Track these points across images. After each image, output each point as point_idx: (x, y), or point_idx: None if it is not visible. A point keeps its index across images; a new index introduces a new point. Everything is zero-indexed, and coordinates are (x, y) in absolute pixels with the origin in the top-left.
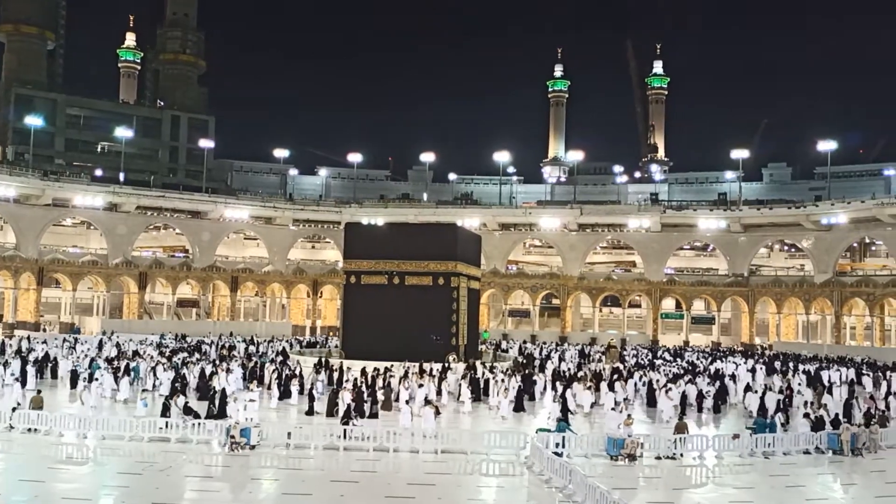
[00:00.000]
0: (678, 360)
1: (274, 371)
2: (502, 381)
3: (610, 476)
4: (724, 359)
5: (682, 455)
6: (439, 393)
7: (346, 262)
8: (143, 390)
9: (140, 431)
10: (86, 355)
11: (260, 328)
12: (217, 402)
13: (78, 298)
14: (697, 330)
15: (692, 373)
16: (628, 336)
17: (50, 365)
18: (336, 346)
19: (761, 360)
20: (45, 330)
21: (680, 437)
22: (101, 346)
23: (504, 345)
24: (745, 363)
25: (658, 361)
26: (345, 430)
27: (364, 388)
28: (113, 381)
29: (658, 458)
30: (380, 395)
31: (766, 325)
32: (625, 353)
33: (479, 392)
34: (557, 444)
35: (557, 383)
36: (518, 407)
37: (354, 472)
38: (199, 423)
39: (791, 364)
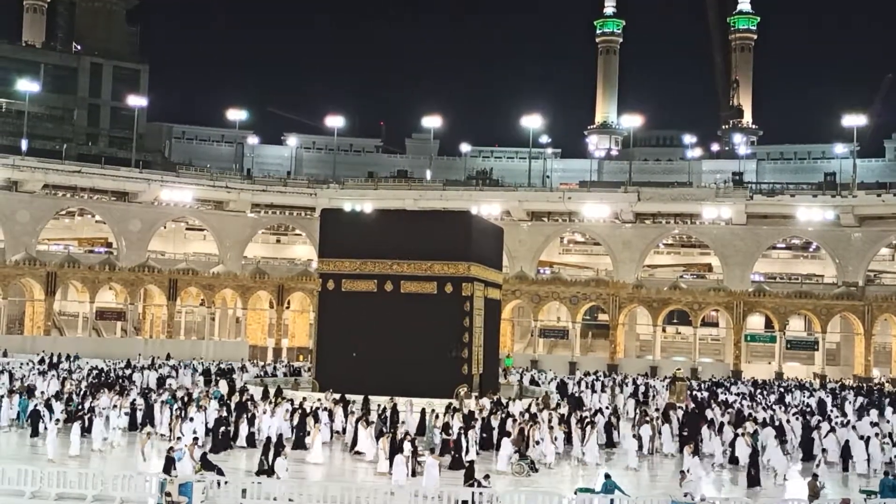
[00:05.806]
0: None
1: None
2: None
3: None
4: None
5: None
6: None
7: (322, 262)
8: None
9: (46, 486)
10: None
11: (206, 349)
12: (272, 454)
13: None
14: (794, 357)
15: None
16: (700, 365)
17: None
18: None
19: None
20: None
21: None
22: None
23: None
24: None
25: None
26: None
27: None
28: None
29: None
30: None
31: (888, 351)
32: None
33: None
34: None
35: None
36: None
37: None
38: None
39: None
